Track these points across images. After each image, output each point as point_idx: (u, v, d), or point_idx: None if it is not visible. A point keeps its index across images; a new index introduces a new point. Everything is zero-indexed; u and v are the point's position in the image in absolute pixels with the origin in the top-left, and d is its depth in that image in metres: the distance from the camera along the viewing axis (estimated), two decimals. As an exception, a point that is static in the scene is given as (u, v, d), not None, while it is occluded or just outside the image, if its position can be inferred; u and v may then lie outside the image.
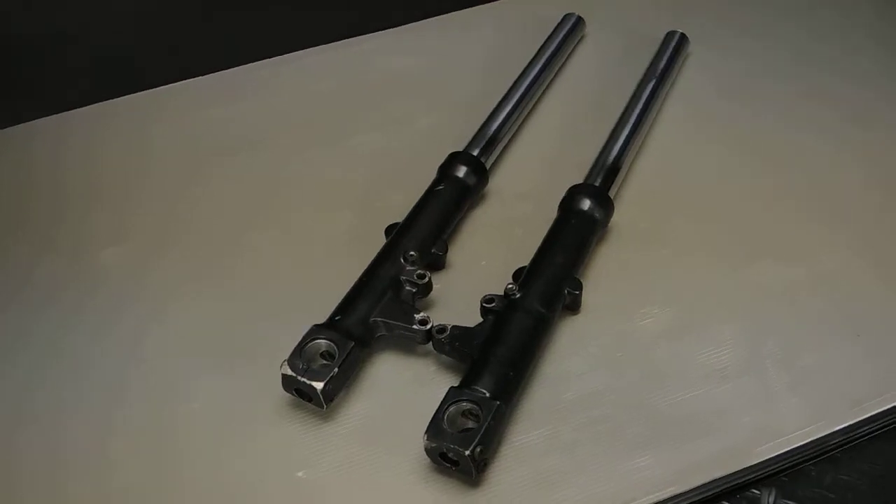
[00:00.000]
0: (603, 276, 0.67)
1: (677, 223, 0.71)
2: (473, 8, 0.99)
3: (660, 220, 0.71)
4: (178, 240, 0.73)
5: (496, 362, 0.56)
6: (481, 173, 0.72)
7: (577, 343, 0.62)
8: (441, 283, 0.67)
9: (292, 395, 0.57)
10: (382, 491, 0.54)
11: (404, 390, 0.59)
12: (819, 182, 0.73)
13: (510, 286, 0.61)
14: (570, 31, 0.90)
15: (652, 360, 0.60)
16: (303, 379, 0.55)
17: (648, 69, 0.83)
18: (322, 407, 0.56)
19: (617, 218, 0.70)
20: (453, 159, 0.72)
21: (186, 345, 0.64)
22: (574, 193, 0.68)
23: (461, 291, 0.64)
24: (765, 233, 0.69)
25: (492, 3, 1.00)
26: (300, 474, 0.55)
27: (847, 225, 0.69)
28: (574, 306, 0.63)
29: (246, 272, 0.69)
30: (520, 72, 0.83)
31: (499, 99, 0.80)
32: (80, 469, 0.56)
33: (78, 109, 0.89)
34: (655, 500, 0.52)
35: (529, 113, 0.83)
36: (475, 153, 0.73)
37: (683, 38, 0.87)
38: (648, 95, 0.79)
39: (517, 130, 0.80)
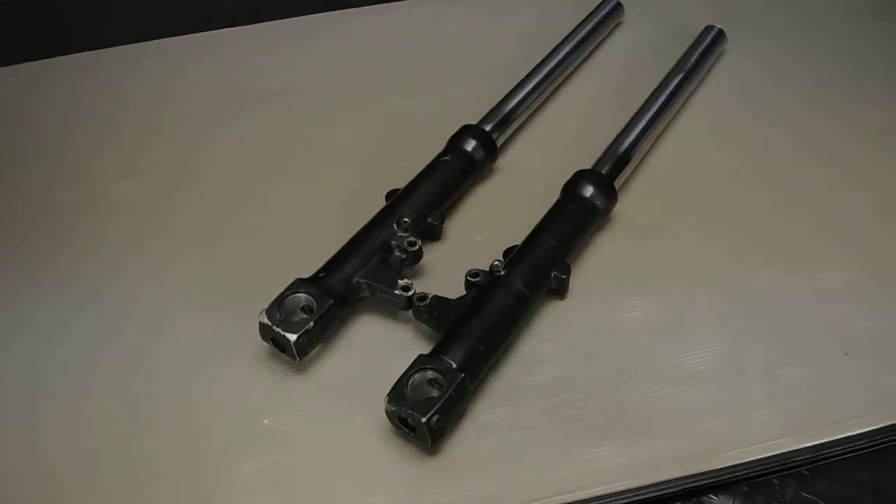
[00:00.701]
0: (597, 264, 0.66)
1: (681, 222, 0.69)
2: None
3: (664, 216, 0.70)
4: (187, 181, 0.75)
5: (469, 336, 0.56)
6: (490, 149, 0.72)
7: (557, 327, 0.62)
8: (434, 253, 0.67)
9: (269, 344, 0.59)
10: (341, 447, 0.55)
11: (379, 353, 0.60)
12: (829, 200, 0.71)
13: (496, 263, 0.61)
14: (606, 15, 0.88)
15: (629, 354, 0.60)
16: (278, 329, 0.56)
17: (679, 62, 0.81)
18: (295, 359, 0.58)
19: (621, 208, 0.70)
20: (464, 132, 0.72)
21: (178, 286, 0.65)
22: (578, 178, 0.67)
23: (452, 263, 0.64)
24: (767, 243, 0.68)
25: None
26: (266, 421, 0.57)
27: (852, 245, 0.67)
28: (561, 290, 0.63)
29: (246, 220, 0.71)
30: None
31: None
32: (57, 396, 0.59)
33: (111, 48, 0.91)
34: (607, 491, 0.52)
35: (553, 94, 0.82)
36: (487, 128, 0.73)
37: (720, 34, 0.84)
38: (672, 90, 0.77)
39: (537, 110, 0.80)
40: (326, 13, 0.95)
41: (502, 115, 0.75)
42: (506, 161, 0.75)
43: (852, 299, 0.63)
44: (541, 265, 0.61)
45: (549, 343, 0.61)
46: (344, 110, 0.82)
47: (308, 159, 0.77)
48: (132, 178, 0.75)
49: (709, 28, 0.85)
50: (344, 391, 0.58)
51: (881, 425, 0.55)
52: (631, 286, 0.64)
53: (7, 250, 0.69)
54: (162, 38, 0.92)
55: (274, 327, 0.56)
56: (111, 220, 0.71)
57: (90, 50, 0.91)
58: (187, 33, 0.93)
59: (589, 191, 0.66)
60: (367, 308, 0.63)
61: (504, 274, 0.60)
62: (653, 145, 0.75)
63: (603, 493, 0.52)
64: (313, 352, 0.59)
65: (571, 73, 0.84)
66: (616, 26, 0.91)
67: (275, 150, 0.78)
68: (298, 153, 0.78)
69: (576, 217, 0.65)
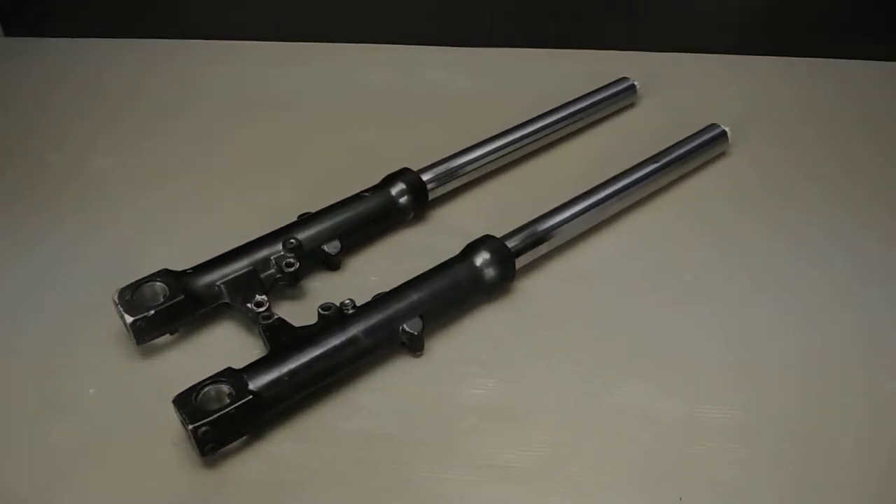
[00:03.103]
0: (473, 333, 0.64)
1: (581, 317, 0.65)
2: (546, 49, 0.97)
3: (570, 306, 0.66)
4: (165, 171, 0.81)
5: (282, 363, 0.56)
6: (420, 197, 0.72)
7: (392, 382, 0.60)
8: (324, 282, 0.68)
9: (122, 323, 0.62)
10: (139, 434, 0.56)
11: (221, 360, 0.60)
12: (747, 340, 0.63)
13: (346, 301, 0.60)
14: (613, 95, 0.85)
15: (447, 430, 0.57)
16: (120, 308, 0.59)
17: (662, 151, 0.76)
18: (135, 342, 0.60)
19: (527, 286, 0.67)
20: (397, 175, 0.72)
21: (95, 254, 0.71)
22: (479, 243, 0.65)
23: (334, 295, 0.64)
24: (656, 359, 0.61)
25: (573, 49, 0.97)
26: (91, 391, 0.60)
27: (750, 388, 0.59)
28: (413, 347, 0.61)
29: (182, 210, 0.76)
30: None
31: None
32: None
33: (149, 39, 1.01)
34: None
35: (526, 158, 0.81)
36: (424, 177, 0.73)
37: (722, 135, 0.78)
38: (635, 180, 0.73)
39: (497, 172, 0.79)
40: (355, 44, 1.00)
41: (446, 168, 0.74)
42: (440, 213, 0.75)
43: (720, 441, 0.55)
44: (390, 316, 0.60)
45: (377, 396, 0.59)
46: (326, 133, 0.86)
47: (270, 171, 0.80)
48: (116, 155, 0.83)
49: (712, 126, 0.79)
50: (168, 385, 0.58)
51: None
52: (492, 364, 0.61)
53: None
54: (195, 38, 1.01)
55: (119, 306, 0.60)
56: (92, 186, 0.79)
57: (138, 38, 1.01)
58: (216, 38, 1.01)
59: (483, 258, 0.64)
60: (233, 317, 0.65)
61: (351, 314, 0.59)
62: (599, 231, 0.72)
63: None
64: (158, 341, 0.62)
65: (556, 143, 0.82)
66: (626, 107, 0.87)
67: (264, 154, 0.83)
68: (267, 164, 0.82)
69: (455, 279, 0.63)
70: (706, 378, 0.60)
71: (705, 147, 0.78)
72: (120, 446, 0.56)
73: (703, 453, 0.55)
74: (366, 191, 0.71)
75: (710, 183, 0.78)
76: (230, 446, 0.55)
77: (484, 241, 0.65)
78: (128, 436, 0.57)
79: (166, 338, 0.62)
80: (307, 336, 0.58)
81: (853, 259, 0.70)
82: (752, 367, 0.61)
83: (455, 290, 0.63)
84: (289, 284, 0.65)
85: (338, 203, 0.70)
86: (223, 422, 0.53)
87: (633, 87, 0.86)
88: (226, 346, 0.63)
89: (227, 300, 0.63)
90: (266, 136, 0.86)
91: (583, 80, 0.89)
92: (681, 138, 0.78)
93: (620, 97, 0.86)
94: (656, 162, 0.74)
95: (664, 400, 0.58)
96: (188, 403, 0.53)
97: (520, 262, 0.66)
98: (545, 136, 0.80)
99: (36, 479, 0.54)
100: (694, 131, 0.79)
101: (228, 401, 0.54)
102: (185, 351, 0.62)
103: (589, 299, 0.66)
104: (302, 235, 0.66)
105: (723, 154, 0.80)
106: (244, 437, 0.56)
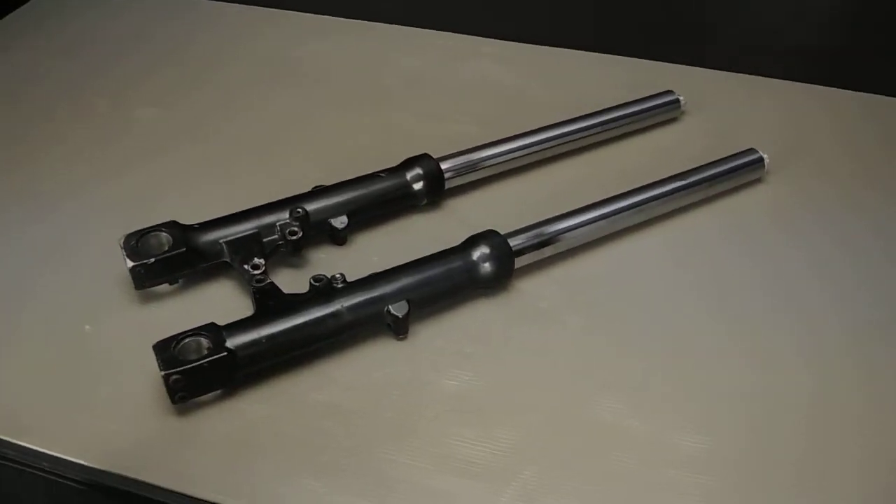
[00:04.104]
0: (463, 325, 0.63)
1: (572, 325, 0.64)
2: (598, 54, 0.95)
3: (564, 312, 0.65)
4: (194, 129, 0.84)
5: (263, 326, 0.57)
6: (435, 185, 0.72)
7: (370, 362, 0.60)
8: (328, 255, 0.69)
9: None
10: (121, 373, 0.59)
11: (212, 314, 0.60)
12: (739, 372, 0.61)
13: (337, 276, 0.61)
14: (654, 107, 0.83)
15: (416, 416, 0.57)
16: (123, 251, 0.62)
17: (691, 169, 0.74)
18: (134, 287, 0.63)
19: (526, 286, 0.66)
20: (415, 160, 0.72)
21: (116, 198, 0.74)
22: (480, 236, 0.65)
23: (333, 270, 0.64)
24: (646, 381, 0.60)
25: (628, 57, 0.95)
26: (87, 327, 0.62)
27: (723, 421, 0.57)
28: (398, 329, 0.61)
29: (204, 168, 0.78)
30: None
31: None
32: None
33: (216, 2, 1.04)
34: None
35: (557, 158, 0.79)
36: (443, 165, 0.72)
37: (758, 161, 0.75)
38: (658, 193, 0.71)
39: (526, 167, 0.78)
40: (401, 26, 1.00)
41: (468, 160, 0.74)
42: (456, 203, 0.75)
43: (688, 471, 0.53)
44: (376, 296, 0.60)
45: (352, 372, 0.59)
46: (358, 111, 0.87)
47: (299, 141, 0.82)
48: (157, 107, 0.86)
49: (750, 151, 0.76)
50: (158, 333, 0.59)
51: None
52: (473, 357, 0.61)
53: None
54: (241, 3, 1.04)
55: (122, 249, 0.62)
56: (127, 135, 0.83)
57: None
58: (262, 5, 1.03)
59: (481, 252, 0.64)
60: (232, 276, 0.66)
61: (339, 288, 0.60)
62: (613, 241, 0.70)
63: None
64: (158, 289, 0.64)
65: (588, 148, 0.81)
66: (667, 121, 0.85)
67: (287, 124, 0.85)
68: (297, 134, 0.83)
69: (449, 269, 0.63)
70: (690, 405, 0.58)
71: (738, 171, 0.75)
72: (102, 381, 0.58)
73: (668, 480, 0.53)
74: (382, 171, 0.72)
75: (739, 208, 0.75)
76: (202, 399, 0.57)
77: (485, 236, 0.65)
78: (111, 373, 0.59)
79: (165, 287, 0.65)
80: (293, 304, 0.59)
81: (874, 304, 0.66)
82: (745, 399, 0.58)
83: (447, 280, 0.62)
84: (290, 252, 0.66)
85: (352, 179, 0.71)
86: (195, 373, 0.54)
87: (677, 101, 0.83)
88: (220, 303, 0.64)
89: (227, 259, 0.64)
90: (296, 106, 0.87)
91: (631, 88, 0.86)
92: (715, 159, 0.76)
93: (662, 110, 0.83)
94: (682, 179, 0.72)
95: (639, 420, 0.56)
96: (166, 351, 0.55)
97: (521, 261, 0.65)
98: (577, 139, 0.79)
99: (14, 398, 0.58)
100: (731, 153, 0.77)
101: (205, 353, 0.55)
102: (180, 302, 0.65)
103: (585, 309, 0.65)
104: (311, 206, 0.67)
105: (758, 181, 0.77)
106: (217, 392, 0.57)
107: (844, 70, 0.91)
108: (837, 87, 0.90)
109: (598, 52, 0.95)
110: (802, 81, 0.90)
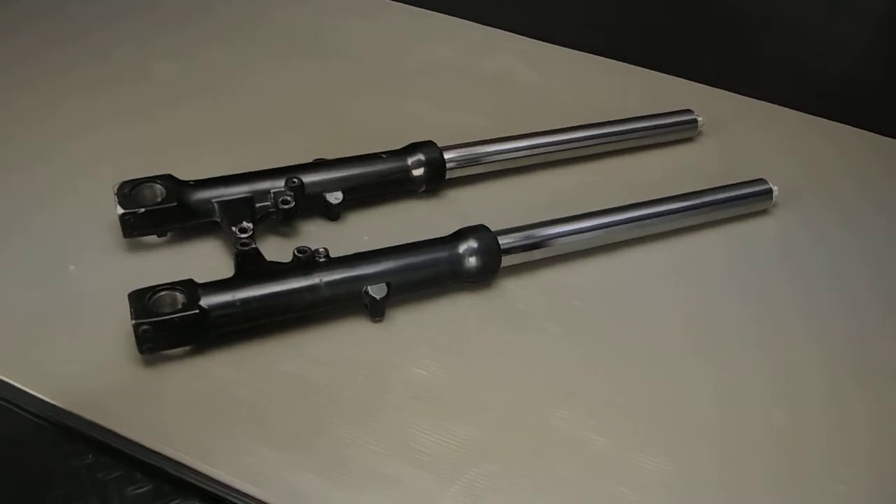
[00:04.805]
0: (437, 315, 0.63)
1: (548, 332, 0.63)
2: (625, 64, 0.94)
3: (543, 318, 0.64)
4: (214, 87, 0.85)
5: (238, 289, 0.57)
6: (436, 174, 0.72)
7: (343, 340, 0.60)
8: (319, 228, 0.69)
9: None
10: (97, 317, 0.59)
11: (196, 271, 0.61)
12: (730, 406, 0.59)
13: (322, 249, 0.61)
14: (670, 124, 0.82)
15: (381, 400, 0.57)
16: (115, 198, 0.62)
17: (695, 192, 0.73)
18: (122, 235, 0.63)
19: (508, 286, 0.66)
20: (419, 146, 0.72)
21: (127, 146, 0.75)
22: (469, 230, 0.64)
23: (322, 243, 0.63)
24: (614, 399, 0.59)
25: (654, 71, 0.93)
26: (71, 268, 0.63)
27: (684, 445, 0.56)
28: (374, 311, 0.61)
29: (216, 128, 0.79)
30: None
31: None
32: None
33: None
34: (230, 483, 0.51)
35: (565, 162, 0.78)
36: (447, 155, 0.72)
37: (767, 192, 0.74)
38: (656, 212, 0.70)
39: (532, 167, 0.77)
40: (433, 12, 1.00)
41: (472, 153, 0.74)
42: (456, 194, 0.74)
43: (642, 491, 0.53)
44: (356, 276, 0.60)
45: (322, 347, 0.60)
46: (375, 91, 0.87)
47: (320, 114, 0.82)
48: (177, 61, 0.87)
49: (759, 181, 0.75)
50: (140, 283, 0.59)
51: None
52: (445, 349, 0.60)
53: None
54: None
55: (115, 195, 0.63)
56: (141, 85, 0.84)
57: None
58: None
59: (468, 246, 0.63)
60: (221, 236, 0.66)
61: (320, 262, 0.60)
62: (606, 253, 0.69)
63: (228, 483, 0.51)
64: (146, 240, 0.65)
65: (597, 156, 0.80)
66: (682, 140, 0.83)
67: (302, 94, 0.85)
68: (321, 106, 0.83)
69: (433, 258, 0.62)
70: (654, 428, 0.57)
71: (745, 200, 0.74)
72: (75, 321, 0.59)
73: (617, 496, 0.52)
74: (384, 152, 0.71)
75: (742, 236, 0.74)
76: (171, 353, 0.57)
77: (475, 230, 0.64)
78: (86, 314, 0.60)
79: (153, 239, 0.65)
80: (272, 271, 0.59)
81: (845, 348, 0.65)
82: (713, 430, 0.58)
83: (430, 269, 0.62)
84: (280, 221, 0.67)
85: (352, 157, 0.70)
86: (165, 326, 0.55)
87: (695, 121, 0.82)
88: (204, 261, 0.65)
89: (217, 219, 0.65)
90: (315, 79, 0.87)
91: (651, 102, 0.86)
92: (724, 184, 0.75)
93: (679, 128, 0.82)
94: (685, 200, 0.71)
95: (599, 434, 0.56)
96: (140, 301, 0.56)
97: (509, 260, 0.65)
98: (587, 146, 0.78)
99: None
100: (741, 181, 0.75)
101: (179, 309, 0.56)
102: (165, 255, 0.65)
103: (565, 317, 0.64)
104: (307, 178, 0.67)
105: (764, 212, 0.76)
106: (186, 349, 0.58)
107: (870, 111, 0.89)
108: (863, 129, 0.88)
109: (625, 61, 0.94)
110: (826, 118, 0.89)
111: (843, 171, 0.83)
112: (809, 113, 0.90)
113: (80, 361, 0.57)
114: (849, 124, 0.89)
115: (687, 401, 0.59)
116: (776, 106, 0.90)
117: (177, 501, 0.51)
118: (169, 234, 0.65)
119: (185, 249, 0.66)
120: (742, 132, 0.86)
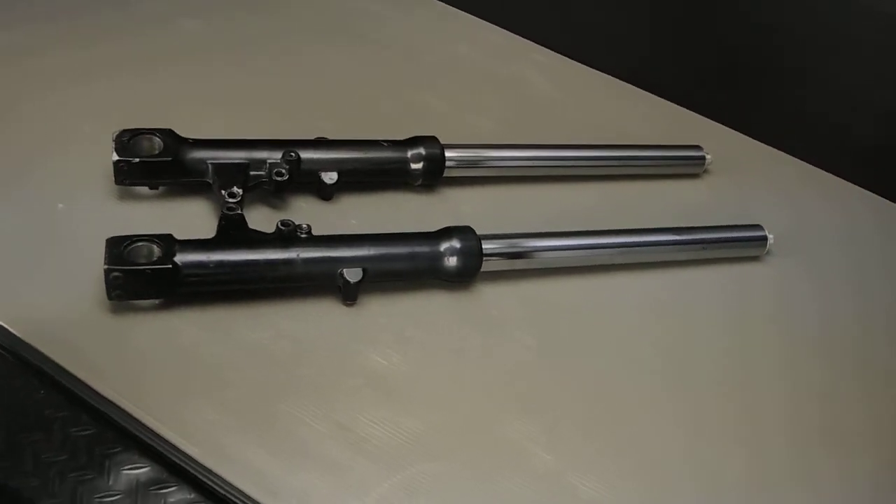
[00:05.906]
0: (409, 308, 0.63)
1: (516, 343, 0.63)
2: (643, 91, 0.93)
3: (514, 328, 0.64)
4: (234, 52, 0.85)
5: (214, 251, 0.58)
6: (434, 168, 0.72)
7: (310, 316, 0.61)
8: (310, 205, 0.69)
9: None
10: (76, 257, 0.59)
11: (181, 228, 0.61)
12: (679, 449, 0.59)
13: (304, 225, 0.61)
14: (676, 157, 0.81)
15: (334, 381, 0.57)
16: (113, 145, 0.63)
17: (689, 227, 0.72)
18: (114, 181, 0.64)
19: (486, 291, 0.66)
20: (421, 139, 0.72)
21: (140, 96, 0.76)
22: (454, 230, 0.64)
23: (309, 220, 0.63)
24: (574, 422, 0.59)
25: (660, 98, 0.93)
26: (60, 206, 0.64)
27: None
28: (347, 294, 0.61)
29: (229, 94, 0.80)
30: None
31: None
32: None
33: None
34: (176, 444, 0.51)
35: (566, 179, 0.78)
36: (448, 153, 0.72)
37: (760, 238, 0.73)
38: (644, 241, 0.70)
39: (532, 179, 0.77)
40: (467, 14, 0.99)
41: (474, 155, 0.74)
42: (453, 193, 0.74)
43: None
44: (333, 256, 0.60)
45: (290, 322, 0.60)
46: (390, 81, 0.86)
47: (334, 96, 0.82)
48: (203, 21, 0.87)
49: (755, 226, 0.74)
50: (127, 225, 0.60)
51: None
52: (410, 343, 0.61)
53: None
54: None
55: (113, 142, 0.63)
56: (163, 40, 0.84)
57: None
58: None
59: (450, 245, 0.63)
60: (213, 198, 0.66)
61: (300, 238, 0.61)
62: (591, 273, 0.69)
63: (169, 438, 0.51)
64: (138, 190, 0.66)
65: (598, 178, 0.79)
66: (688, 175, 0.83)
67: (319, 74, 0.85)
68: (334, 89, 0.83)
69: (413, 251, 0.63)
70: (604, 455, 0.57)
71: (737, 243, 0.73)
72: (54, 258, 0.60)
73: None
74: (386, 141, 0.72)
75: (729, 278, 0.73)
76: (141, 304, 0.58)
77: (460, 230, 0.64)
78: (66, 253, 0.61)
79: (145, 190, 0.66)
80: (252, 239, 0.60)
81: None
82: (659, 467, 0.57)
83: (408, 262, 0.62)
84: (272, 192, 0.67)
85: (353, 140, 0.71)
86: (135, 276, 0.55)
87: (702, 158, 0.81)
88: (189, 220, 0.65)
89: (209, 180, 0.65)
90: (336, 60, 0.88)
91: (663, 132, 0.86)
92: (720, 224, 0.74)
93: (686, 162, 0.82)
94: (676, 234, 0.71)
95: (547, 451, 0.56)
96: (116, 247, 0.56)
97: (489, 265, 0.65)
98: (590, 166, 0.78)
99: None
100: (738, 223, 0.75)
101: (153, 261, 0.56)
102: (154, 207, 0.66)
103: (539, 331, 0.64)
104: (305, 154, 0.67)
105: (757, 258, 0.75)
106: (156, 302, 0.58)
107: (885, 175, 0.88)
108: (873, 192, 0.87)
109: (644, 88, 0.93)
110: (837, 175, 0.88)
111: (844, 230, 0.82)
112: (823, 168, 0.89)
113: (48, 295, 0.58)
114: (860, 185, 0.88)
115: (642, 436, 0.59)
116: (787, 155, 0.89)
117: (117, 449, 0.51)
118: (161, 188, 0.66)
119: (174, 205, 0.66)
120: (749, 176, 0.85)
